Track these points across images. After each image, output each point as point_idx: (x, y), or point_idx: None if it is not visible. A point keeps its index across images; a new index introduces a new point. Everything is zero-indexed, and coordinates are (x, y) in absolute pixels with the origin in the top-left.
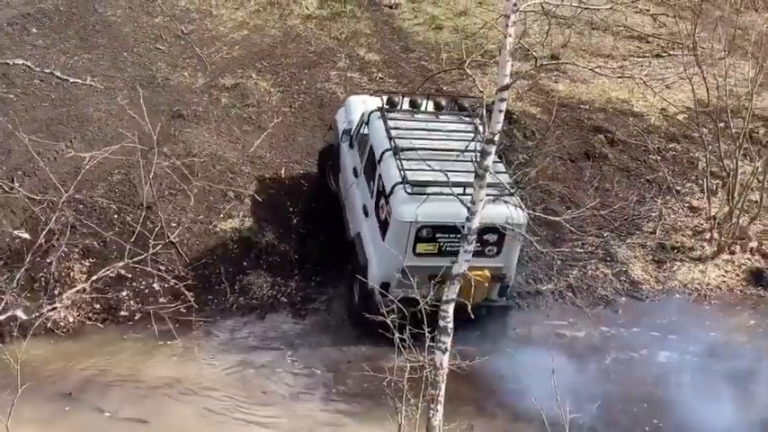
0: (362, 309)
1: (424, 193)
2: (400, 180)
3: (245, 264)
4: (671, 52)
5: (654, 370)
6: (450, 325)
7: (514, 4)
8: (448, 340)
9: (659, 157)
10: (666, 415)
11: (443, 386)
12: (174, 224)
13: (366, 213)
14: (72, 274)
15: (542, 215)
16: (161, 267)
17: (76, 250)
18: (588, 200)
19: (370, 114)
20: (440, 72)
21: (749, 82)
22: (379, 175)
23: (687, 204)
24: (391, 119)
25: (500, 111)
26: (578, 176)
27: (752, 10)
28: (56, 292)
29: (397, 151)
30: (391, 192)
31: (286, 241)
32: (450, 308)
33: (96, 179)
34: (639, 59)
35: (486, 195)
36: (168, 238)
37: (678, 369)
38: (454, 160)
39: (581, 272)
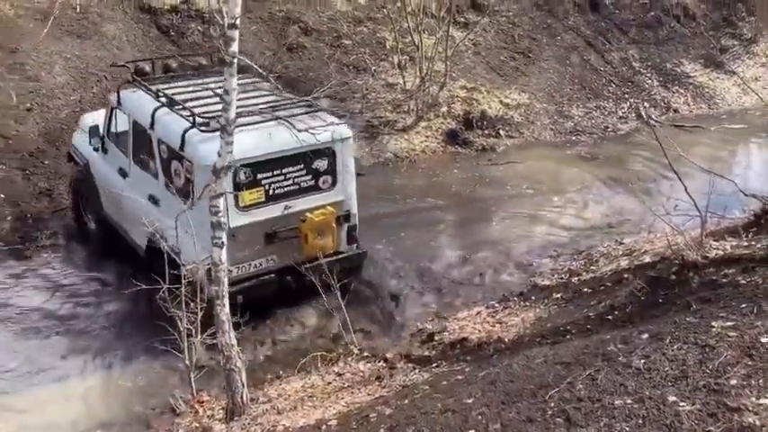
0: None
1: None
2: (190, 124)
3: None
4: None
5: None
6: (224, 219)
7: None
8: (223, 235)
9: (351, 41)
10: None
11: (226, 280)
12: None
13: (156, 201)
14: None
15: None
16: None
17: None
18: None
19: (119, 92)
20: None
21: None
22: (159, 140)
23: (384, 82)
24: (151, 83)
25: None
26: (284, 71)
27: None
28: None
29: (172, 104)
30: (183, 142)
31: None
32: (220, 201)
33: None
34: None
35: (294, 116)
36: None
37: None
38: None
39: None
